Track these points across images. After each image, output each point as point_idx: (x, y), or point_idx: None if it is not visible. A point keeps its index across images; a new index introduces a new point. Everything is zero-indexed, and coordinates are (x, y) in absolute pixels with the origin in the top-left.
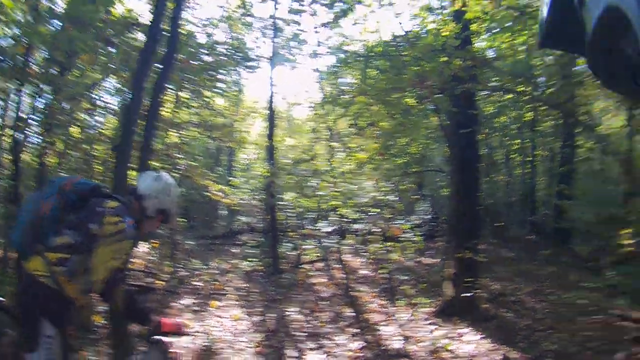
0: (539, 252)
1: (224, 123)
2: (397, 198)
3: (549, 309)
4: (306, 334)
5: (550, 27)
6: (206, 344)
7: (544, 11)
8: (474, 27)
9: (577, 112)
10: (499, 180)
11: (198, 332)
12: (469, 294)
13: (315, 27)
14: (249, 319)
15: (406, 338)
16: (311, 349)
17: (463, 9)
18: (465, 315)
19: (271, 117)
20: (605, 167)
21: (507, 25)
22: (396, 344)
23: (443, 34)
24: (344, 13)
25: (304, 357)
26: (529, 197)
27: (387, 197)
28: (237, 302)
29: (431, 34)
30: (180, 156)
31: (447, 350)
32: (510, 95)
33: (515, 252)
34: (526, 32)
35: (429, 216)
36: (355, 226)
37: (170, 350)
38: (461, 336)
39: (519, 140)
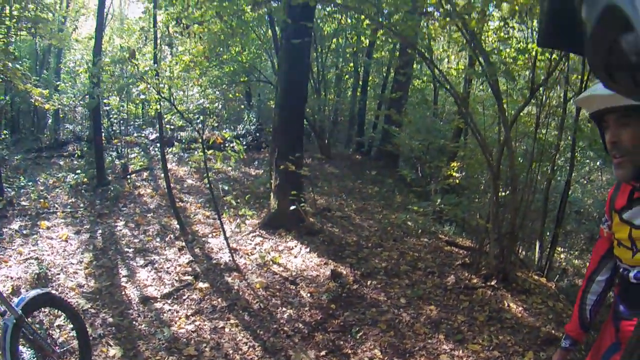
0: (364, 172)
1: (51, 19)
2: (223, 107)
3: (377, 227)
4: (134, 249)
5: (549, 27)
6: (38, 271)
7: (544, 10)
8: None
9: (418, 45)
10: (328, 99)
11: (29, 258)
12: (293, 207)
13: None
14: (77, 237)
15: (234, 250)
16: (141, 266)
17: None
18: (290, 228)
19: (101, 13)
20: (427, 105)
21: None
22: (225, 257)
23: None
24: None
25: (135, 274)
26: (358, 118)
27: (214, 104)
28: (64, 220)
29: None
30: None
31: (276, 263)
32: (350, 21)
33: (340, 169)
34: None
35: (255, 127)
36: (182, 133)
37: None
38: (291, 249)
39: (352, 64)
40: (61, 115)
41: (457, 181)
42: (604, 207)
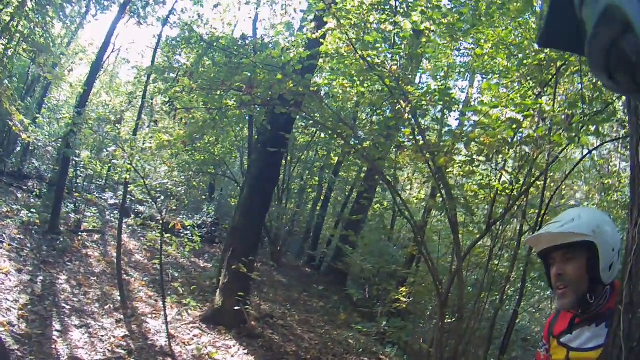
0: (312, 285)
1: (52, 50)
2: (185, 192)
3: (317, 341)
4: (72, 308)
5: (550, 27)
6: None
7: (544, 10)
8: (320, 62)
9: (385, 172)
10: (288, 208)
11: None
12: (238, 307)
13: None
14: (18, 276)
15: (172, 337)
16: (76, 326)
17: (321, 40)
18: (231, 327)
19: (96, 67)
20: (385, 230)
21: (353, 73)
22: (161, 340)
23: (290, 55)
24: None
25: (69, 332)
26: (314, 232)
27: (177, 188)
28: (8, 254)
29: (279, 48)
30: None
31: (212, 359)
32: (324, 136)
33: (288, 279)
34: (367, 85)
35: (212, 220)
36: (140, 207)
37: None
38: (229, 348)
39: (317, 179)
40: (31, 149)
41: (404, 306)
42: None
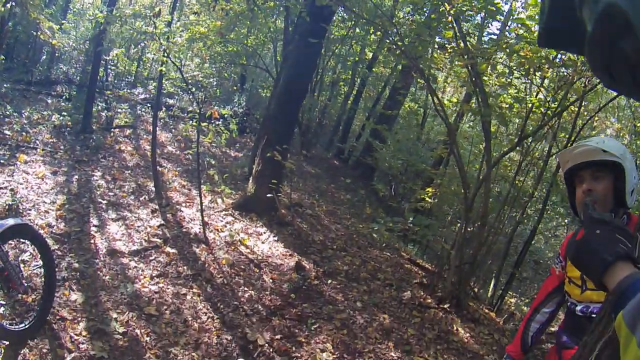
0: (340, 177)
1: None
2: (219, 82)
3: (343, 232)
4: (108, 202)
5: (550, 26)
6: (10, 202)
7: (544, 10)
8: None
9: (424, 70)
10: (320, 100)
11: (2, 188)
12: (270, 195)
13: None
14: (53, 178)
15: (206, 224)
16: (112, 219)
17: None
18: (263, 214)
19: None
20: (417, 129)
21: None
22: (195, 228)
23: None
24: None
25: (106, 226)
26: (344, 125)
27: (208, 79)
28: (43, 158)
29: None
30: None
31: (244, 245)
32: (359, 31)
33: (317, 170)
34: None
35: (242, 110)
36: (170, 100)
37: None
38: (260, 235)
39: (350, 72)
40: (57, 54)
41: (429, 206)
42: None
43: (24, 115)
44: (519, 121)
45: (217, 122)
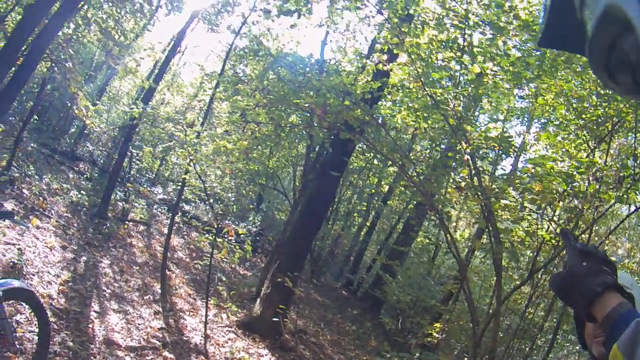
0: (347, 308)
1: (123, 42)
2: (238, 199)
3: None
4: (112, 292)
5: (550, 27)
6: (15, 261)
7: (545, 10)
8: (386, 91)
9: (438, 208)
10: (333, 229)
11: (11, 244)
12: (276, 319)
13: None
14: (62, 252)
15: (207, 336)
16: (114, 310)
17: (391, 71)
18: (266, 336)
19: (166, 63)
20: (434, 264)
21: (418, 108)
22: (196, 338)
23: (358, 82)
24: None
25: (107, 315)
26: (355, 256)
27: (227, 193)
28: (55, 229)
29: (351, 77)
30: (70, 51)
31: None
32: (377, 163)
33: (325, 299)
34: (431, 122)
35: (256, 229)
36: (186, 206)
37: None
38: (261, 356)
39: (365, 204)
40: (86, 132)
41: (436, 341)
42: None
43: (44, 181)
44: (529, 254)
45: (231, 239)
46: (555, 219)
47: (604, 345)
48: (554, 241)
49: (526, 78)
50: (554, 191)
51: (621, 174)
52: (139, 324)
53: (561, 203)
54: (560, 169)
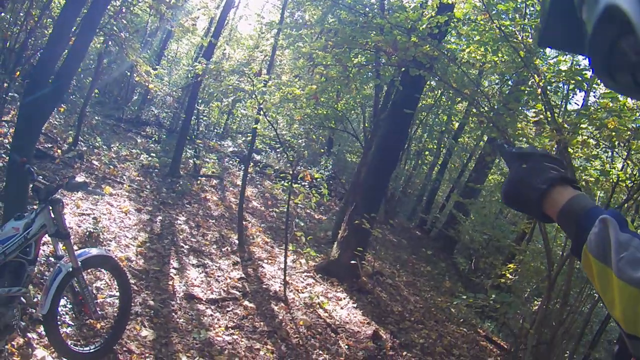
0: (421, 248)
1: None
2: (308, 144)
3: (421, 304)
4: (190, 247)
5: (550, 27)
6: (92, 229)
7: (544, 10)
8: (452, 25)
9: (511, 143)
10: (405, 169)
11: (86, 214)
12: (354, 261)
13: None
14: (137, 214)
15: (287, 283)
16: (193, 265)
17: (455, 4)
18: (344, 279)
19: (223, 17)
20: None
21: (487, 41)
22: (275, 285)
23: (424, 17)
24: None
25: (186, 270)
26: (428, 196)
27: (297, 140)
28: (128, 194)
29: (410, 10)
30: (122, 21)
31: (323, 308)
32: (445, 99)
33: (399, 239)
34: (501, 54)
35: (328, 173)
36: (256, 156)
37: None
38: (339, 300)
39: (436, 142)
40: (149, 97)
41: (509, 282)
42: None
43: (112, 150)
44: (603, 194)
45: (306, 184)
46: (632, 158)
47: (572, 249)
48: (628, 182)
49: None
50: (631, 127)
51: None
52: (218, 276)
53: (637, 141)
54: (632, 106)
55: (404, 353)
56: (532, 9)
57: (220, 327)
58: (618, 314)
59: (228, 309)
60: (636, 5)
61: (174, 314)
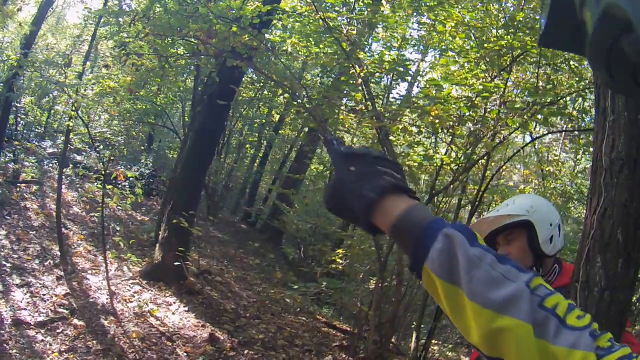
0: (247, 242)
1: None
2: (126, 141)
3: (255, 299)
4: (12, 265)
5: (550, 27)
6: None
7: (544, 9)
8: (277, 17)
9: (330, 133)
10: (226, 162)
11: None
12: (177, 263)
13: None
14: None
15: (113, 294)
16: (17, 285)
17: None
18: (171, 283)
19: (47, 2)
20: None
21: (310, 33)
22: (102, 298)
23: (246, 7)
24: None
25: (10, 292)
26: (250, 188)
27: (116, 137)
28: None
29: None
30: None
31: (154, 316)
32: (267, 92)
33: (224, 234)
34: (322, 46)
35: (149, 171)
36: (78, 157)
37: None
38: (170, 305)
39: (257, 134)
40: None
41: (340, 267)
42: None
43: None
44: (428, 178)
45: (122, 184)
46: (456, 142)
47: (410, 267)
48: (453, 165)
49: (426, 3)
50: (455, 116)
51: (530, 100)
52: (43, 295)
53: (461, 127)
54: (456, 96)
55: (245, 351)
56: (361, 3)
57: (53, 352)
58: (476, 339)
59: (58, 331)
60: (636, 4)
61: (5, 345)
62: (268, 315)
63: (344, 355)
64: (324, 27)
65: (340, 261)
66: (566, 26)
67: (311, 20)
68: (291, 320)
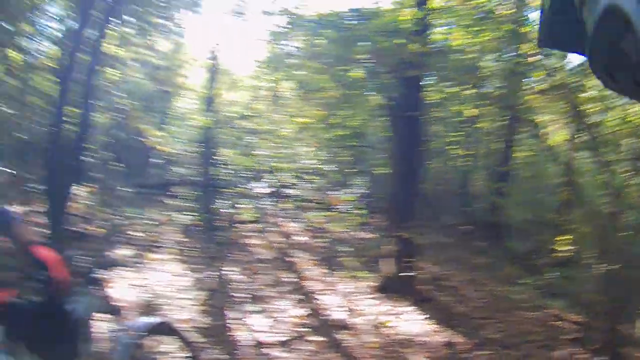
0: (473, 243)
1: (166, 65)
2: (334, 168)
3: (485, 298)
4: (247, 295)
5: (550, 27)
6: (148, 298)
7: (543, 10)
8: (434, 16)
9: (523, 117)
10: (435, 168)
11: (136, 285)
12: (408, 274)
13: None
14: (188, 275)
15: (349, 310)
16: (252, 312)
17: None
18: (404, 294)
19: (214, 67)
20: (541, 174)
21: (467, 23)
22: (338, 314)
23: (400, 17)
24: None
25: (247, 319)
26: (465, 189)
27: (324, 166)
28: (173, 257)
29: (388, 14)
30: (120, 94)
31: (388, 327)
32: (456, 89)
33: (446, 238)
34: (487, 33)
35: (364, 191)
36: (290, 191)
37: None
38: (403, 314)
39: (457, 133)
40: (167, 157)
41: (564, 255)
42: None
43: (145, 216)
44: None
45: (340, 208)
46: None
47: None
48: None
49: None
50: None
51: None
52: (282, 318)
53: None
54: None
55: (482, 352)
56: None
57: None
58: None
59: (298, 348)
60: (636, 5)
61: None
62: (500, 314)
63: (578, 348)
64: (481, 14)
65: (564, 248)
66: (566, 26)
67: (464, 12)
68: (522, 316)
